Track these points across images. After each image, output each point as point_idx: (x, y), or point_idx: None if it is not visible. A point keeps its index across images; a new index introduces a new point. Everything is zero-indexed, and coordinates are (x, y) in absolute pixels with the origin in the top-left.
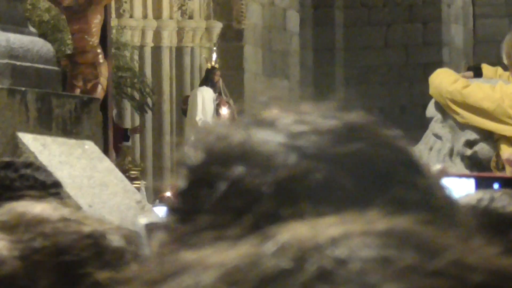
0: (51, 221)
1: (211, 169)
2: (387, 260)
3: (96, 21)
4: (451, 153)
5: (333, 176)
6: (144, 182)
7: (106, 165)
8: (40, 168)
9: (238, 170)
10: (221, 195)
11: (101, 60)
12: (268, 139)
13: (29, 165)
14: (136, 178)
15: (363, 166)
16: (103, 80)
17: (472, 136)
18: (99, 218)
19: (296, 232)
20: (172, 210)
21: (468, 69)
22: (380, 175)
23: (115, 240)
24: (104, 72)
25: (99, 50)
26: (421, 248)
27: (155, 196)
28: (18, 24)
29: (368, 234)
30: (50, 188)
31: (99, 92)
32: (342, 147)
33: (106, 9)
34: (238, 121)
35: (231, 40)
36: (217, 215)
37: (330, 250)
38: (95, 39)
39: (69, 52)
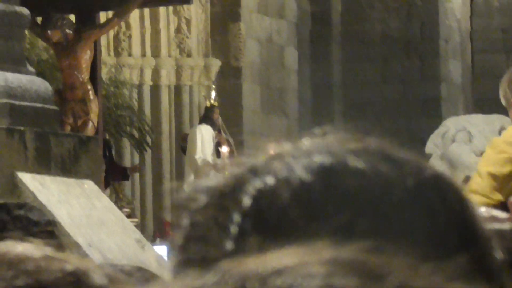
0: (34, 259)
1: None
2: (330, 287)
3: (85, 57)
4: None
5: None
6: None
7: (105, 204)
8: (34, 208)
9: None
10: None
11: (91, 97)
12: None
13: (22, 206)
14: (129, 216)
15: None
16: (94, 116)
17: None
18: (82, 257)
19: (239, 263)
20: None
21: None
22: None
23: (98, 278)
24: (94, 108)
25: (89, 87)
26: (365, 274)
27: (155, 234)
28: (16, 63)
29: (313, 264)
30: (44, 227)
31: (90, 129)
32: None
33: (96, 44)
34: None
35: (229, 77)
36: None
37: (273, 279)
38: (85, 75)
39: None
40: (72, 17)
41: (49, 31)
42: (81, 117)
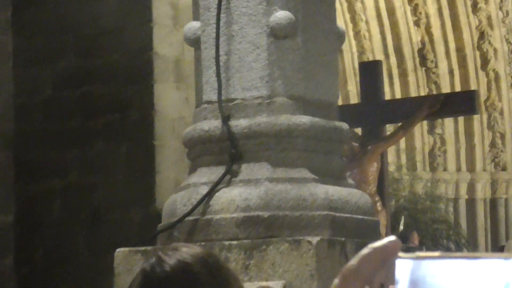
0: None
1: None
2: None
3: (372, 169)
4: None
5: None
6: None
7: None
8: None
9: None
10: None
11: (379, 208)
12: None
13: None
14: None
15: None
16: (382, 228)
17: None
18: None
19: None
20: None
21: None
22: None
23: None
24: (382, 220)
25: (376, 198)
26: None
27: None
28: (336, 177)
29: None
30: None
31: None
32: None
33: (383, 156)
34: None
35: None
36: None
37: None
38: (372, 187)
39: None
40: (358, 130)
41: None
42: None
